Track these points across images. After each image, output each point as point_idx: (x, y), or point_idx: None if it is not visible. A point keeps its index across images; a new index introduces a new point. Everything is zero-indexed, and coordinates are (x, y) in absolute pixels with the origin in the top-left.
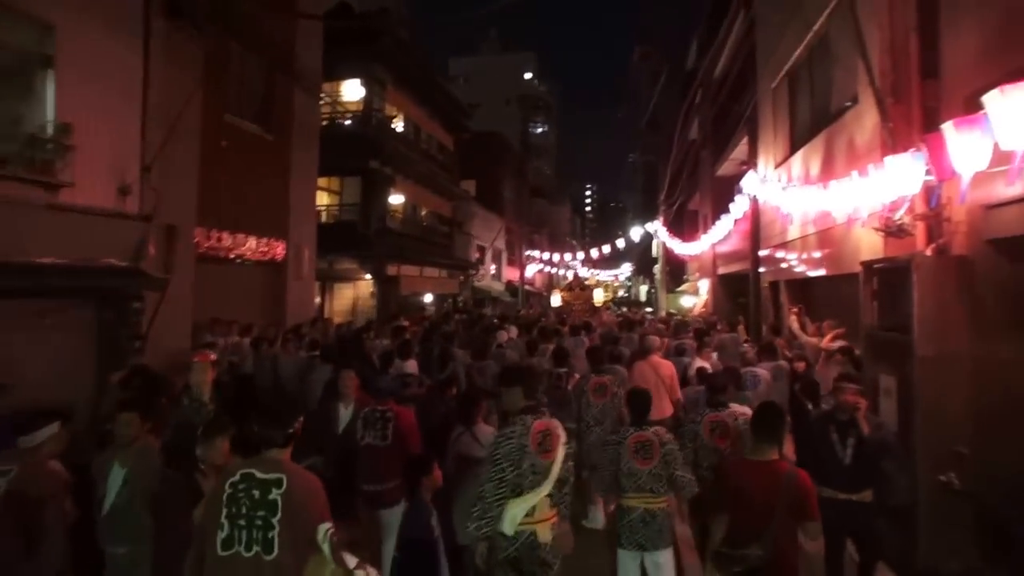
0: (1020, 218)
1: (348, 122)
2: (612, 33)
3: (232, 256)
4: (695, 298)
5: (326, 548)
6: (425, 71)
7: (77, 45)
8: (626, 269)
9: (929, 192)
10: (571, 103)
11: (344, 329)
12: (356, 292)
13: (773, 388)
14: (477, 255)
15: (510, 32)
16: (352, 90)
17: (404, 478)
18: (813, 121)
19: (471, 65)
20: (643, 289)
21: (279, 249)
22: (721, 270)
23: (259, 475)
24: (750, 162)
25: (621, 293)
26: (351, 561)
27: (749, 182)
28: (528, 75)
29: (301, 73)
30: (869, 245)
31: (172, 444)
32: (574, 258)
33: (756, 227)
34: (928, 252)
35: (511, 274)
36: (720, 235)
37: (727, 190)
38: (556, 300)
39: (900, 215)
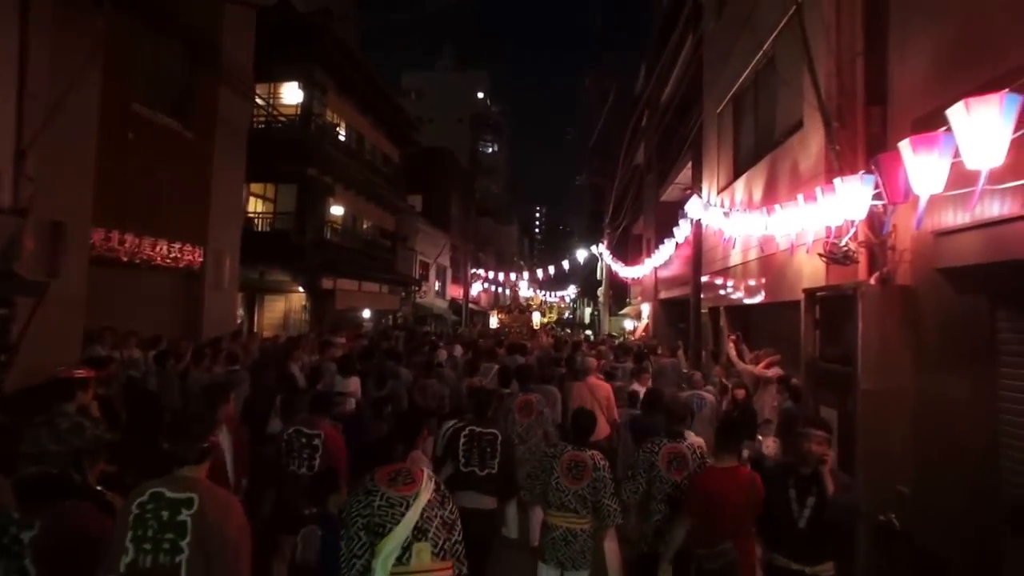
0: (974, 246)
1: (286, 126)
2: (570, 58)
3: (138, 261)
4: (637, 322)
5: None
6: (369, 78)
7: None
8: (572, 291)
9: (874, 218)
10: (525, 127)
11: (269, 344)
12: (288, 305)
13: (719, 411)
14: (421, 271)
15: (465, 52)
16: (291, 94)
17: (312, 497)
18: (757, 146)
19: (424, 80)
20: (587, 311)
21: (196, 256)
22: (663, 295)
23: (168, 495)
24: (694, 187)
25: (567, 315)
26: None
27: (692, 206)
28: (481, 94)
29: (228, 67)
30: (811, 272)
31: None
32: (519, 278)
33: (698, 252)
34: (872, 281)
35: (455, 292)
36: (662, 259)
37: (671, 215)
38: (494, 321)
39: (845, 241)
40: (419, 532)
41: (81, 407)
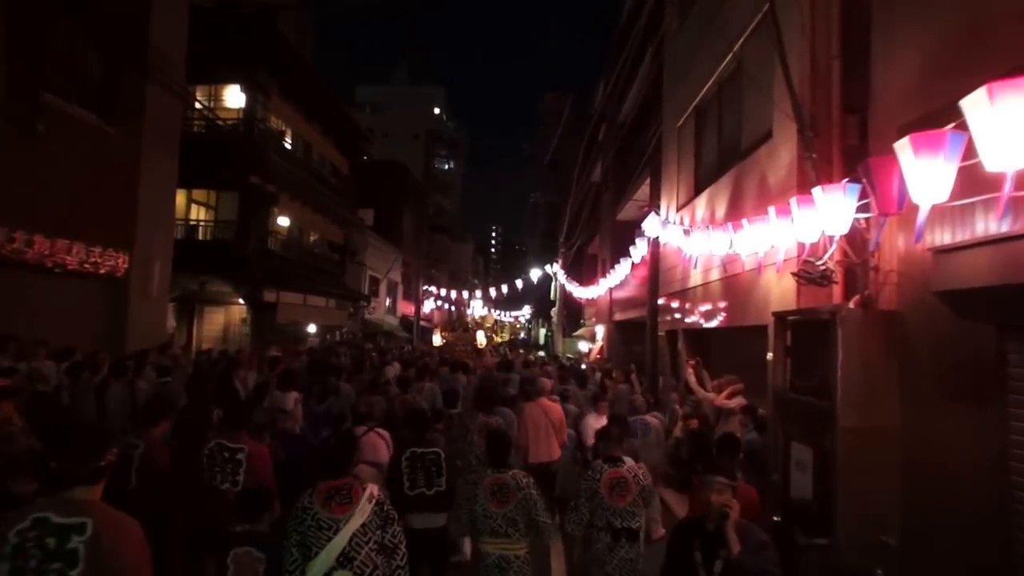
0: (982, 266)
1: (227, 131)
2: (528, 76)
3: (51, 265)
4: (591, 343)
5: None
6: (315, 81)
7: None
8: (527, 312)
9: (855, 234)
10: (482, 147)
11: (204, 357)
12: (228, 318)
13: (662, 440)
14: (371, 287)
15: (422, 68)
16: (234, 97)
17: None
18: (721, 159)
19: (379, 94)
20: (542, 332)
21: (120, 262)
22: (618, 316)
23: (56, 520)
24: (652, 204)
25: (521, 335)
26: None
27: (650, 224)
28: (437, 110)
29: (156, 62)
30: (780, 294)
31: None
32: (472, 296)
33: (655, 273)
34: (852, 304)
35: (407, 308)
36: (618, 279)
37: (627, 234)
38: (438, 339)
39: (824, 260)
40: (344, 559)
41: (5, 418)
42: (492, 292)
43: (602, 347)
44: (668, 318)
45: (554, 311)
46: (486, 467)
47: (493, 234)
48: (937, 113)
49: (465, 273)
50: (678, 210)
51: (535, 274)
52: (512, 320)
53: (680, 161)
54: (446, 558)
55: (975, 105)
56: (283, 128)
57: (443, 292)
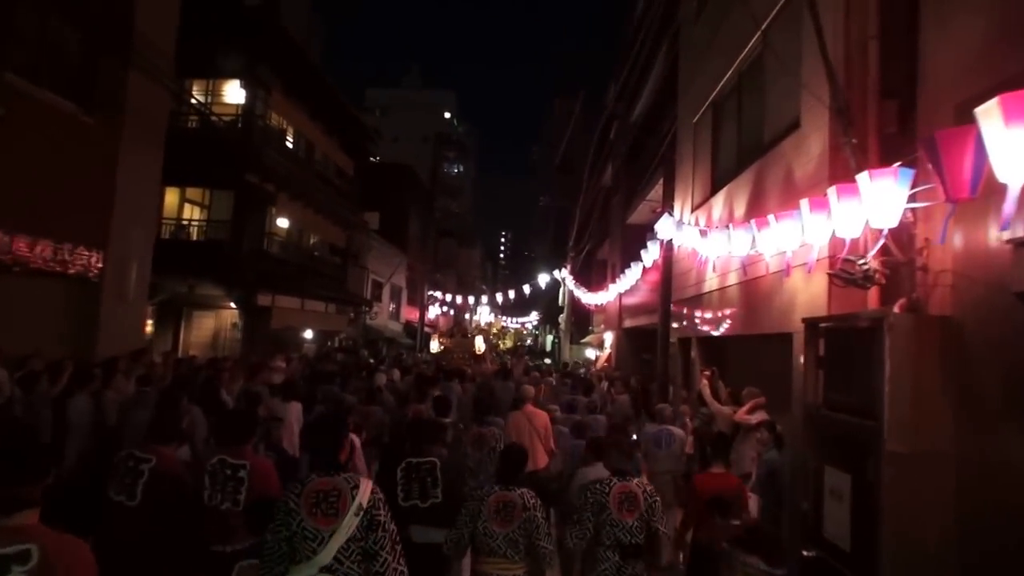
0: None
1: (224, 127)
2: (539, 80)
3: (10, 262)
4: (599, 351)
5: None
6: (319, 79)
7: None
8: (535, 318)
9: (901, 228)
10: (494, 152)
11: (185, 366)
12: (219, 322)
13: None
14: (374, 292)
15: (433, 73)
16: (233, 92)
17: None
18: (740, 155)
19: (389, 97)
20: (549, 339)
21: (93, 261)
22: (627, 323)
23: None
24: (665, 205)
25: (528, 342)
26: None
27: (663, 226)
28: (448, 114)
29: (142, 48)
30: (808, 299)
31: None
32: (479, 303)
33: (668, 277)
34: (897, 309)
35: (411, 314)
36: (628, 285)
37: (638, 239)
38: (435, 346)
39: (867, 259)
40: (327, 570)
41: None
42: (499, 298)
43: (610, 355)
44: (681, 325)
45: (562, 317)
46: (478, 478)
47: (503, 239)
48: (1009, 81)
49: (473, 278)
50: (693, 210)
51: (543, 279)
52: (519, 326)
53: (696, 159)
54: None
55: None
56: (285, 126)
57: (449, 298)
